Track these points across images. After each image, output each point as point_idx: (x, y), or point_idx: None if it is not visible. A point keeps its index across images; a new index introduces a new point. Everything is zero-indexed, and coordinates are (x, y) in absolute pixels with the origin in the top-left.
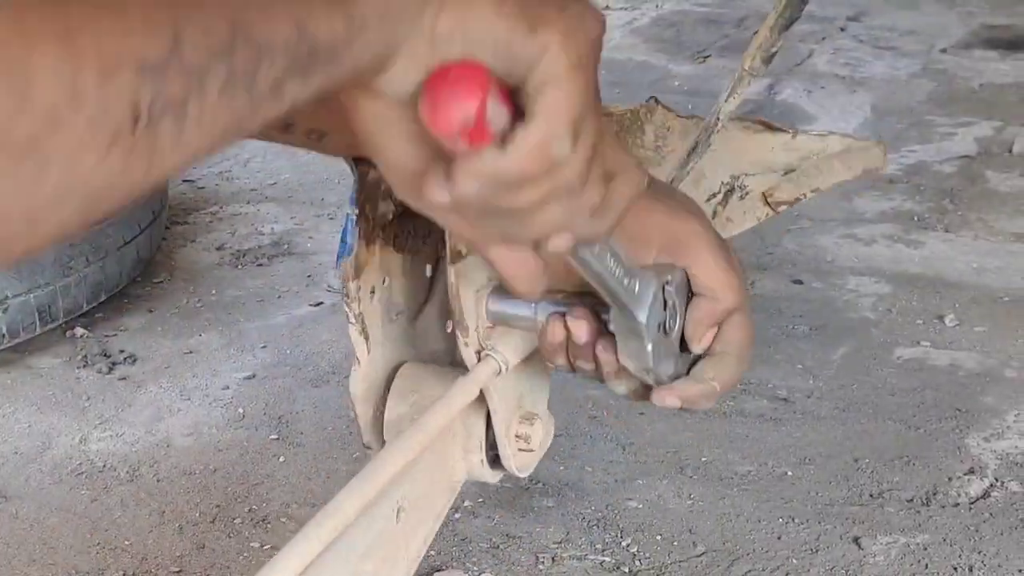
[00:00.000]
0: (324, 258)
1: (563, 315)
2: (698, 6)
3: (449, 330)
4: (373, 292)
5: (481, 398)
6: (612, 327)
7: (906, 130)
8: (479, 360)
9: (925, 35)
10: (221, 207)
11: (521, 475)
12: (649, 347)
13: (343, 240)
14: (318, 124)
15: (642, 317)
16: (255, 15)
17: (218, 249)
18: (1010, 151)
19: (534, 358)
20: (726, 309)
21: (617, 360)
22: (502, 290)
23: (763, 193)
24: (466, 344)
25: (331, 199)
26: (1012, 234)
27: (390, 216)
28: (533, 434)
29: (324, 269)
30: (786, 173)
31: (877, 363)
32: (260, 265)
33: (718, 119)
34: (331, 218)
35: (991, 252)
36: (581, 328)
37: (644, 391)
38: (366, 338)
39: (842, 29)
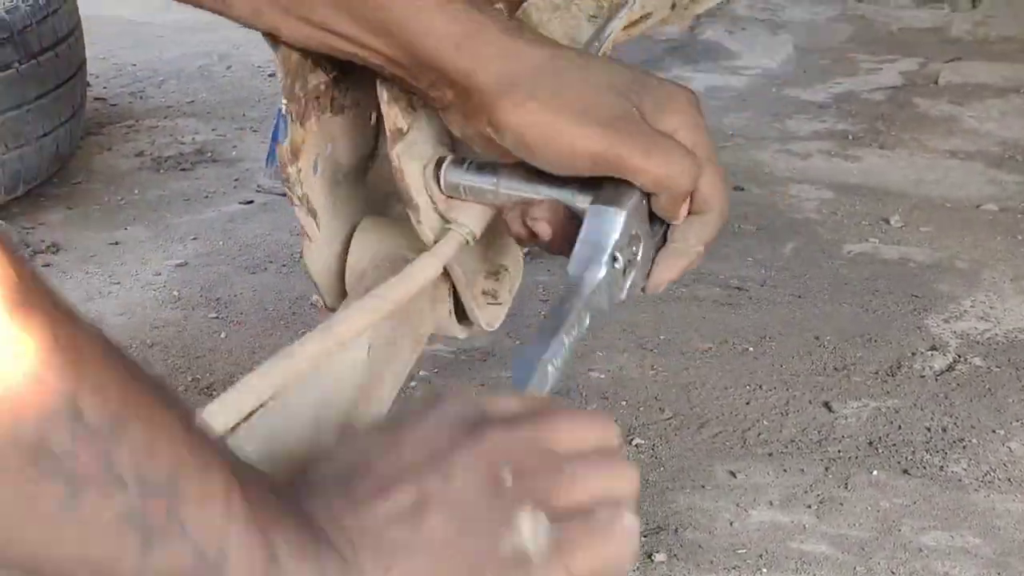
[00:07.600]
0: (251, 165)
1: (523, 210)
2: None
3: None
4: (316, 165)
5: None
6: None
7: (831, 65)
8: (435, 238)
9: None
10: (137, 120)
11: (490, 329)
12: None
13: (274, 139)
14: None
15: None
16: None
17: (137, 155)
18: (935, 83)
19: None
20: (684, 190)
21: None
22: (459, 161)
23: None
24: (419, 222)
25: (253, 114)
26: (946, 151)
27: (323, 86)
28: (500, 288)
29: (251, 174)
30: None
31: (827, 256)
32: (183, 170)
33: None
34: (255, 131)
35: (928, 167)
36: (542, 228)
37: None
38: (314, 216)
39: None
